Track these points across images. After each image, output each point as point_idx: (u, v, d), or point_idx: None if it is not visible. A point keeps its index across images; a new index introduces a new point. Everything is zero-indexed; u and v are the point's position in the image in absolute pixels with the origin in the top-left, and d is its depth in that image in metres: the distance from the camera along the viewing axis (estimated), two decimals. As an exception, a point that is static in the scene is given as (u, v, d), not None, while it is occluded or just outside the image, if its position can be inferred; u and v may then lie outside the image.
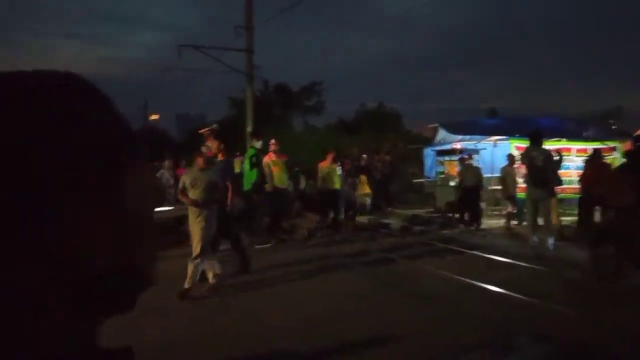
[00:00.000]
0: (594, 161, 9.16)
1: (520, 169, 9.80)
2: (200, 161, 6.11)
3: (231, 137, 19.12)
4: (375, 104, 31.63)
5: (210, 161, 6.59)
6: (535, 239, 7.83)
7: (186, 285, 5.73)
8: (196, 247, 5.82)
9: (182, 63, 26.80)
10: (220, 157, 7.24)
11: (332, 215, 10.68)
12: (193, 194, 5.90)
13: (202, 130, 8.18)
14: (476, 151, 12.80)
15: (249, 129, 16.45)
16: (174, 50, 15.80)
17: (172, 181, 11.19)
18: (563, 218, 9.98)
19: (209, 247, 6.03)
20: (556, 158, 8.52)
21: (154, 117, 43.98)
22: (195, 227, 5.87)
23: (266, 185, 9.07)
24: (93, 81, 0.50)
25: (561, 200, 10.65)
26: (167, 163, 11.94)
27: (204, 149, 6.70)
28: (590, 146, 11.82)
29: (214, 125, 8.45)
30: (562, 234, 8.65)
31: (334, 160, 10.81)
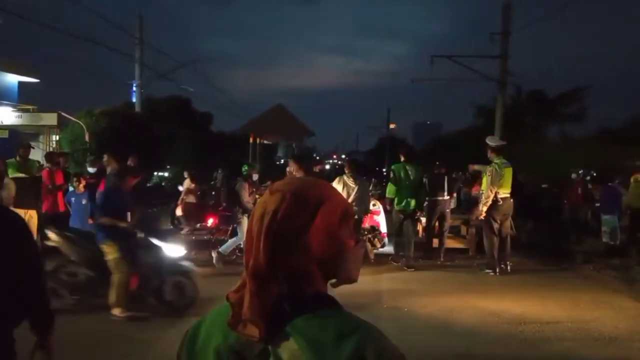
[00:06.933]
0: None
1: None
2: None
3: (475, 148, 18.08)
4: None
5: None
6: None
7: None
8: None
9: (433, 72, 26.87)
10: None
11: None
12: None
13: None
14: None
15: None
16: (424, 61, 15.96)
17: None
18: None
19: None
20: None
21: (392, 126, 45.86)
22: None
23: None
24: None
25: None
26: None
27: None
28: None
29: None
30: None
31: None
